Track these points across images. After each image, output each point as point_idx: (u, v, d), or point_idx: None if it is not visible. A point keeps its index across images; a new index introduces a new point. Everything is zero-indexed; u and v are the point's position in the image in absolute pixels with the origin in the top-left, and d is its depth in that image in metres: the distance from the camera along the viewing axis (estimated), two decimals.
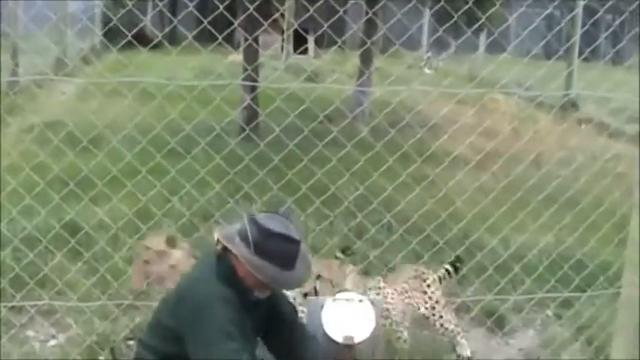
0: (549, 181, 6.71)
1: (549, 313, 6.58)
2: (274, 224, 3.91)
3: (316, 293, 5.10)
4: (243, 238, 3.88)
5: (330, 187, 5.54)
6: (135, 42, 5.55)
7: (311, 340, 4.48)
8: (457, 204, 6.53)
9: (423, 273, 5.64)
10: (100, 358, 5.42)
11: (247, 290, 3.98)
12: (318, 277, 5.16)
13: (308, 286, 5.04)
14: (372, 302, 4.99)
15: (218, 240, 4.01)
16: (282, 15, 18.58)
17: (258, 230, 3.87)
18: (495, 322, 6.25)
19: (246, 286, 3.96)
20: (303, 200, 5.94)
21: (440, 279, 5.71)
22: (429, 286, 5.58)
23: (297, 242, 3.97)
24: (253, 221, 3.90)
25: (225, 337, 3.78)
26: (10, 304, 5.62)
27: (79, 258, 6.05)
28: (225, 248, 3.95)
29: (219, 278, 3.90)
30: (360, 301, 4.95)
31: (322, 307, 4.89)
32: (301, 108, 5.54)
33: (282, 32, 19.87)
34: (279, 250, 3.89)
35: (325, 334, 4.82)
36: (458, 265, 5.88)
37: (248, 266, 3.85)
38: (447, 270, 5.79)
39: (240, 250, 3.85)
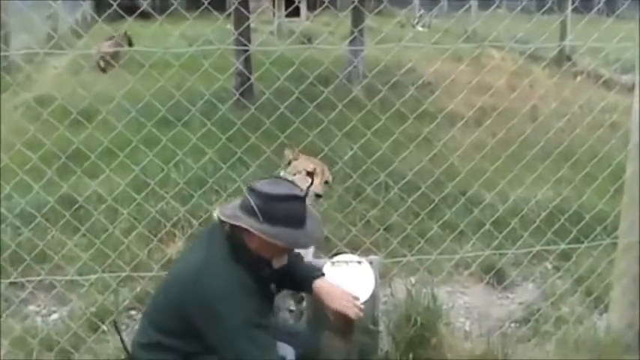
0: (545, 134, 6.69)
1: (548, 265, 6.60)
2: (274, 187, 3.83)
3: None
4: (248, 210, 3.79)
5: (324, 148, 5.52)
6: (122, 12, 5.49)
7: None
8: (452, 160, 6.52)
9: None
10: (104, 329, 5.45)
11: (264, 268, 3.93)
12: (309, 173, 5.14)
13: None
14: (371, 263, 4.99)
15: (222, 220, 3.92)
16: None
17: (260, 198, 3.78)
18: (494, 276, 6.29)
19: (262, 264, 3.90)
20: None
21: None
22: None
23: (302, 198, 3.90)
24: (253, 191, 3.82)
25: (251, 327, 3.72)
26: (8, 280, 5.62)
27: (76, 232, 6.06)
28: (233, 227, 3.85)
29: (234, 260, 3.82)
30: (359, 262, 4.95)
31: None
32: (290, 70, 5.50)
33: None
34: (288, 211, 3.80)
35: None
36: None
37: (264, 236, 3.75)
38: None
39: (250, 223, 3.76)
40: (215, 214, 3.96)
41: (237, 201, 3.94)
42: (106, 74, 9.76)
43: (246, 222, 3.77)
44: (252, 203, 3.78)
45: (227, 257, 3.83)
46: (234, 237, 3.87)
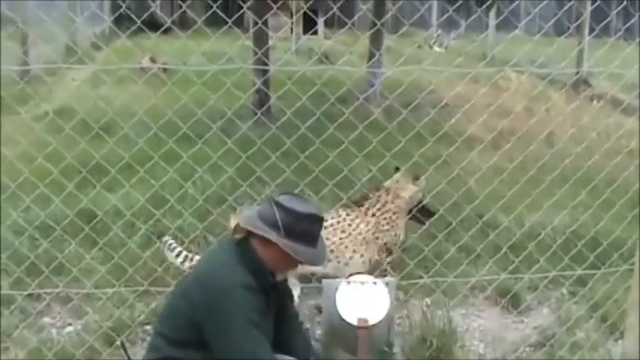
0: (563, 159, 6.69)
1: (564, 291, 6.58)
2: (299, 205, 3.91)
3: None
4: (270, 222, 3.87)
5: (344, 169, 5.53)
6: (144, 27, 5.52)
7: (305, 337, 4.48)
8: (470, 183, 6.52)
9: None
10: (119, 343, 5.47)
11: (268, 275, 3.97)
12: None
13: None
14: (387, 284, 5.00)
15: (237, 227, 3.99)
16: None
17: (286, 213, 3.87)
18: (510, 300, 6.27)
19: (267, 271, 3.95)
20: (316, 183, 5.94)
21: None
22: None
23: (321, 218, 4.00)
24: (279, 205, 3.89)
25: (250, 325, 3.78)
26: (26, 292, 5.65)
27: (94, 245, 6.08)
28: (245, 237, 3.94)
29: (241, 264, 3.88)
30: (374, 283, 4.97)
31: (337, 289, 4.91)
32: (312, 90, 5.54)
33: (292, 14, 19.78)
34: (309, 230, 3.93)
35: (340, 317, 4.85)
36: None
37: (286, 249, 3.85)
38: None
39: (274, 236, 3.84)
40: (231, 222, 4.02)
41: (253, 210, 4.01)
42: (127, 90, 9.78)
43: (270, 234, 3.85)
44: (277, 217, 3.86)
45: (235, 262, 3.90)
46: (244, 245, 3.95)
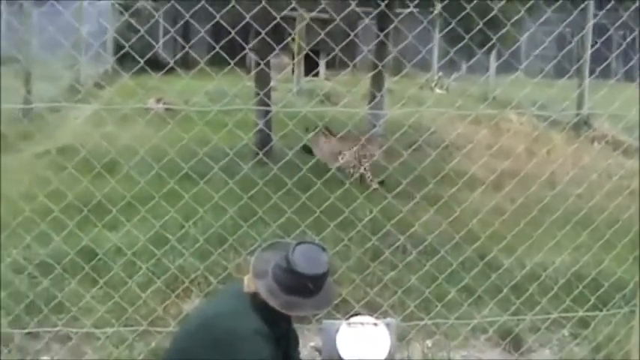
0: (564, 200, 6.69)
1: (565, 332, 6.54)
2: (312, 265, 3.93)
3: None
4: (295, 290, 3.90)
5: (345, 210, 5.53)
6: (147, 67, 5.54)
7: None
8: (472, 225, 6.50)
9: None
10: None
11: (281, 323, 4.01)
12: None
13: None
14: (387, 325, 4.97)
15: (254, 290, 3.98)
16: (293, 38, 18.59)
17: (309, 280, 3.90)
18: (511, 342, 6.23)
19: (279, 320, 3.97)
20: (318, 223, 5.93)
21: None
22: None
23: (325, 274, 4.00)
24: (302, 275, 3.89)
25: None
26: (25, 331, 5.62)
27: (94, 284, 6.06)
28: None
29: (254, 311, 3.89)
30: (375, 324, 4.94)
31: (337, 331, 4.89)
32: (314, 132, 5.56)
33: (294, 55, 19.83)
34: (325, 284, 4.00)
35: (341, 359, 4.82)
36: None
37: (309, 313, 4.20)
38: None
39: (302, 304, 3.93)
40: (245, 281, 4.01)
41: (266, 276, 3.97)
42: (130, 129, 9.81)
43: (302, 306, 3.95)
44: (301, 283, 3.90)
45: (248, 308, 3.91)
46: (256, 295, 3.92)
